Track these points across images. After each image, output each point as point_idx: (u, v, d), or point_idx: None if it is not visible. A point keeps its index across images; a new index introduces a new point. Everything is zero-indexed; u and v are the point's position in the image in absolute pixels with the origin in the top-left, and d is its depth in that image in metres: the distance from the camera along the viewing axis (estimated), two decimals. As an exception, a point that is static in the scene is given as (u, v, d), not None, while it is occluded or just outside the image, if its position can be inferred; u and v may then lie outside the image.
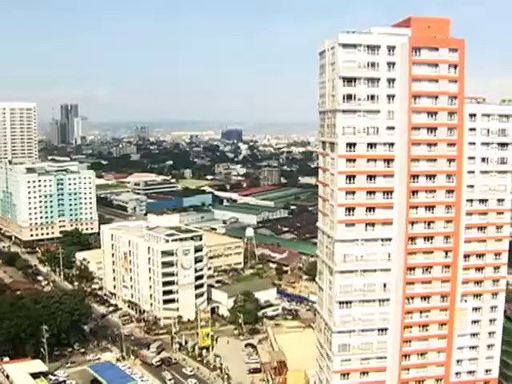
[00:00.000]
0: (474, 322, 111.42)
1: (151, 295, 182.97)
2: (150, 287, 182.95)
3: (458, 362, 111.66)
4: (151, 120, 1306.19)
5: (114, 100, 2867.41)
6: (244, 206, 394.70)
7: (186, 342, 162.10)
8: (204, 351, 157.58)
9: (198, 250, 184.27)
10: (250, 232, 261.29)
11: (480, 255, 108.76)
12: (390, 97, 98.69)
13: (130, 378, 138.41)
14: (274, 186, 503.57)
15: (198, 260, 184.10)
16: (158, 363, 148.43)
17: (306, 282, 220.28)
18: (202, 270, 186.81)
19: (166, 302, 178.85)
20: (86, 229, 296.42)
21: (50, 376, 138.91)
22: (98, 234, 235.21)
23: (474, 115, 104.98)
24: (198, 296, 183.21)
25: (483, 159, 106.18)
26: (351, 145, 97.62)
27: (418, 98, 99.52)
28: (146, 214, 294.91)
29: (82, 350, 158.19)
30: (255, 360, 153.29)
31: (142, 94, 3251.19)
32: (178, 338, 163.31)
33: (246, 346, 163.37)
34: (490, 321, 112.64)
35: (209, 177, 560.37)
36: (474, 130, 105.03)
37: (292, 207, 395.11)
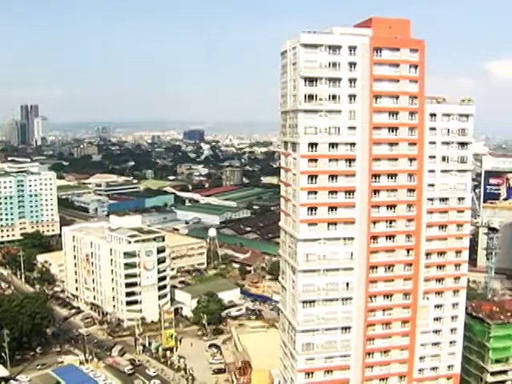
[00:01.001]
0: (436, 319, 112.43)
1: (114, 297, 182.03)
2: (113, 289, 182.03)
3: (420, 358, 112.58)
4: (113, 120, 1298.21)
5: (74, 100, 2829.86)
6: (206, 207, 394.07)
7: (150, 344, 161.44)
8: (168, 352, 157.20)
9: (160, 250, 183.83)
10: (212, 232, 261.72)
11: (441, 253, 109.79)
12: (352, 97, 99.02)
13: (94, 380, 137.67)
14: (237, 186, 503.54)
15: (160, 261, 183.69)
16: (131, 371, 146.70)
17: (269, 281, 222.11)
18: (164, 270, 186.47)
19: (128, 303, 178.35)
20: (47, 230, 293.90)
21: (12, 381, 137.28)
22: (60, 235, 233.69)
23: (435, 115, 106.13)
24: (161, 297, 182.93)
25: (444, 158, 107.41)
26: (313, 145, 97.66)
27: (379, 98, 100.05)
28: (107, 215, 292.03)
29: (45, 353, 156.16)
30: (219, 360, 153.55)
31: (103, 94, 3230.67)
32: (141, 339, 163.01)
33: (210, 346, 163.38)
34: (452, 318, 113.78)
35: (171, 177, 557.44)
36: (434, 129, 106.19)
37: (254, 207, 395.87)
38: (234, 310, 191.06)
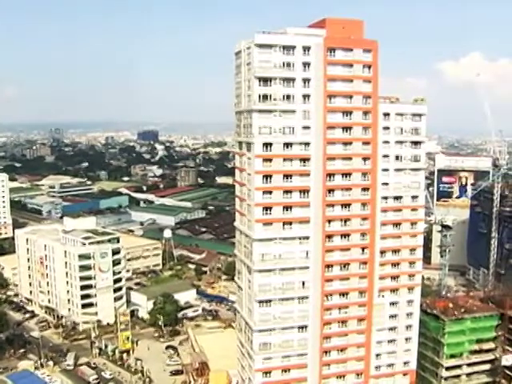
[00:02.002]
0: (392, 316, 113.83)
1: (69, 300, 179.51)
2: (68, 292, 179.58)
3: (377, 355, 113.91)
4: (66, 121, 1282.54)
5: (26, 100, 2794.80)
6: (161, 208, 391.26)
7: (106, 346, 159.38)
8: (125, 355, 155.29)
9: (115, 252, 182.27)
10: (167, 233, 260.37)
11: (395, 251, 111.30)
12: (306, 97, 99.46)
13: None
14: (191, 186, 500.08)
15: (115, 263, 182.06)
16: (96, 381, 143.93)
17: (225, 281, 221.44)
18: (120, 272, 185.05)
19: (84, 306, 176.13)
20: (0, 233, 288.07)
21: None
22: (13, 238, 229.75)
23: (388, 114, 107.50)
24: (116, 299, 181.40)
25: (397, 157, 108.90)
26: (267, 145, 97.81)
27: (333, 98, 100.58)
28: (61, 217, 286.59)
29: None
30: (177, 362, 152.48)
31: (55, 94, 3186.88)
32: (97, 342, 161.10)
33: (166, 348, 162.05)
34: (407, 315, 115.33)
35: (125, 178, 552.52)
36: (387, 128, 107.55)
37: (210, 207, 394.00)
38: (190, 310, 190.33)
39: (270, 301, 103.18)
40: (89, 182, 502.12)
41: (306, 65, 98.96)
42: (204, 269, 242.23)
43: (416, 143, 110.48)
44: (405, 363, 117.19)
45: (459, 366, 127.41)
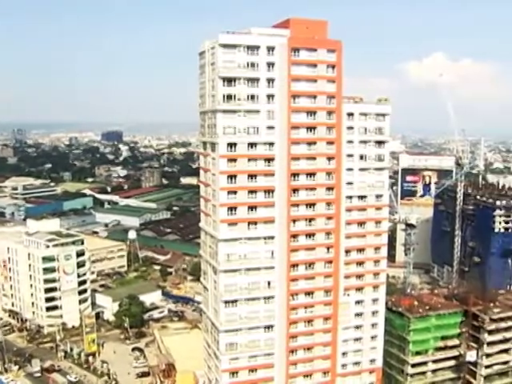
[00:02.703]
0: (357, 314, 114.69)
1: (33, 303, 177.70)
2: (32, 295, 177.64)
3: (343, 354, 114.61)
4: (28, 121, 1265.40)
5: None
6: (126, 209, 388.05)
7: (72, 349, 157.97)
8: (90, 358, 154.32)
9: (79, 254, 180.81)
10: (132, 234, 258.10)
11: (360, 250, 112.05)
12: (270, 97, 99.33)
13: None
14: (156, 187, 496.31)
15: (80, 265, 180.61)
16: None
17: (190, 282, 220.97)
18: (84, 274, 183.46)
19: (48, 309, 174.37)
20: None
21: None
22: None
23: (352, 114, 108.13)
24: (81, 301, 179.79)
25: (361, 157, 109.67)
26: (232, 145, 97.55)
27: (297, 98, 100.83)
28: (24, 220, 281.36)
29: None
30: (143, 364, 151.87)
31: (16, 94, 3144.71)
32: (62, 345, 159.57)
33: (133, 349, 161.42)
34: (373, 313, 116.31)
35: (89, 179, 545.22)
36: (351, 128, 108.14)
37: (174, 208, 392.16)
38: (156, 312, 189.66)
39: (235, 301, 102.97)
40: (52, 184, 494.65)
41: (270, 65, 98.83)
42: (169, 270, 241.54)
43: (380, 143, 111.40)
44: (371, 361, 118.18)
45: (425, 363, 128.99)
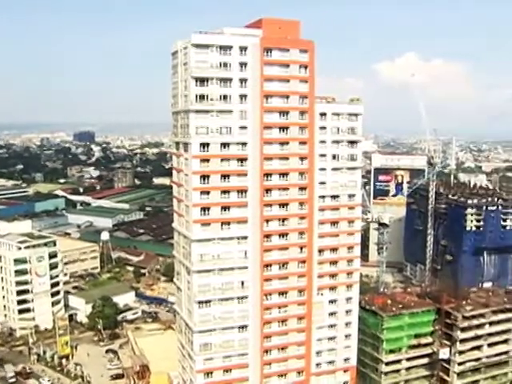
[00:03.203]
0: (331, 314, 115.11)
1: (5, 305, 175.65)
2: (4, 297, 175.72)
3: (317, 353, 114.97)
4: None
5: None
6: (98, 210, 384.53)
7: (45, 352, 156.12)
8: (64, 360, 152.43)
9: (52, 256, 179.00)
10: (105, 235, 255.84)
11: (333, 249, 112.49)
12: (243, 97, 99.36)
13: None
14: (129, 187, 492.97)
15: (52, 267, 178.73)
16: None
17: (164, 283, 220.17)
18: (57, 276, 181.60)
19: (21, 311, 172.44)
20: None
21: None
22: None
23: (325, 114, 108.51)
24: (54, 304, 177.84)
25: (334, 156, 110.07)
26: (204, 145, 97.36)
27: (269, 98, 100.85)
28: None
29: None
30: (117, 365, 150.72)
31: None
32: (35, 348, 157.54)
33: (106, 351, 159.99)
34: (346, 312, 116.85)
35: (61, 180, 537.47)
36: (324, 128, 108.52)
37: (147, 209, 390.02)
38: (129, 313, 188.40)
39: (209, 301, 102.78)
40: (24, 185, 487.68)
41: (243, 65, 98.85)
42: (143, 271, 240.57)
43: (352, 142, 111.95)
44: (345, 360, 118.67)
45: (398, 361, 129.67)
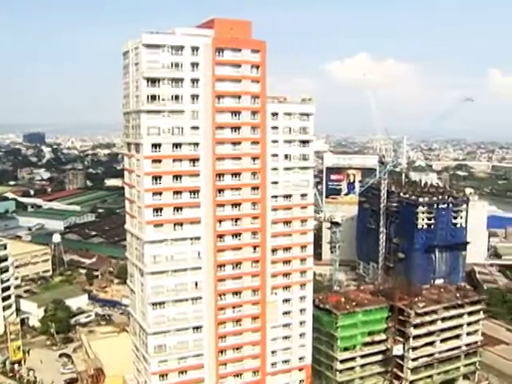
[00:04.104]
0: (285, 313, 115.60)
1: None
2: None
3: (272, 352, 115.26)
4: None
5: None
6: (50, 212, 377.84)
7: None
8: (16, 366, 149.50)
9: (2, 259, 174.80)
10: (56, 238, 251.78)
11: (287, 249, 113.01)
12: (194, 97, 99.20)
13: None
14: (80, 189, 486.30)
15: (3, 270, 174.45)
16: None
17: (117, 285, 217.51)
18: (8, 280, 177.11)
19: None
20: None
21: None
22: None
23: (276, 114, 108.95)
24: (5, 308, 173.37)
25: (286, 156, 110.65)
26: (156, 145, 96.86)
27: (221, 98, 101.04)
28: None
29: None
30: (71, 370, 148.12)
31: None
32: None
33: (60, 356, 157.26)
34: (300, 311, 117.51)
35: (11, 182, 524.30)
36: (276, 128, 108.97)
37: (99, 210, 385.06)
38: (82, 316, 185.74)
39: (163, 303, 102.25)
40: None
41: (195, 65, 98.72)
42: (95, 273, 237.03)
43: (304, 142, 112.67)
44: (300, 358, 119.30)
45: (353, 359, 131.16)
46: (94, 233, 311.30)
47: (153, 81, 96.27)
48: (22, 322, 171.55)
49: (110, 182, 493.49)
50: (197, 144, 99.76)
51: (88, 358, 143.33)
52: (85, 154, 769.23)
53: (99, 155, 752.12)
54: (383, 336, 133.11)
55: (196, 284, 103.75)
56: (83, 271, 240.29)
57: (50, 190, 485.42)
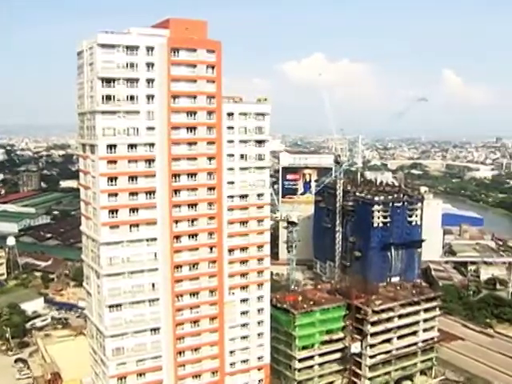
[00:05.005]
0: (243, 313, 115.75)
1: None
2: None
3: (231, 352, 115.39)
4: None
5: None
6: (3, 214, 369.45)
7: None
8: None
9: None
10: (11, 241, 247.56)
11: (243, 248, 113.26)
12: (150, 97, 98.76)
13: None
14: (35, 191, 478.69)
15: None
16: None
17: (73, 288, 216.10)
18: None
19: None
20: None
21: None
22: None
23: (232, 114, 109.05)
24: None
25: (242, 156, 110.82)
26: (112, 146, 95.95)
27: (177, 98, 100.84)
28: None
29: None
30: (27, 375, 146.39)
31: None
32: None
33: (15, 361, 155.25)
34: (258, 310, 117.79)
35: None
36: (232, 128, 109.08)
37: (54, 212, 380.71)
38: (38, 320, 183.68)
39: (120, 305, 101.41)
40: None
41: (150, 65, 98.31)
42: (51, 276, 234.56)
43: (260, 142, 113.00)
44: (259, 358, 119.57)
45: (311, 357, 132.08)
46: (49, 235, 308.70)
47: (108, 81, 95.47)
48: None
49: (65, 184, 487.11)
50: (152, 144, 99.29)
51: (44, 363, 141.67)
52: (39, 155, 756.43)
53: (54, 156, 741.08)
54: (341, 334, 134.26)
55: (153, 285, 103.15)
56: (39, 274, 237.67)
57: (3, 192, 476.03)
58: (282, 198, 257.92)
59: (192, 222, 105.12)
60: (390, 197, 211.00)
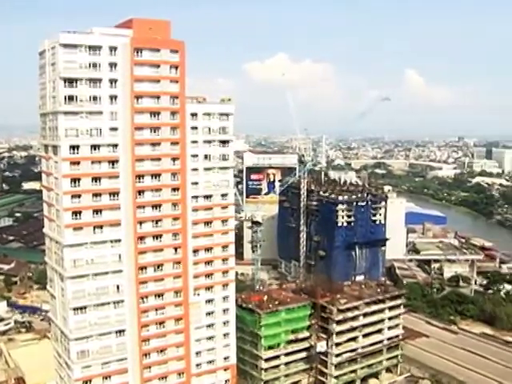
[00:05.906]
0: (209, 313, 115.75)
1: None
2: None
3: (197, 353, 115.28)
4: None
5: None
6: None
7: None
8: None
9: None
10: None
11: (208, 249, 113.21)
12: (113, 97, 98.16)
13: None
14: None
15: None
16: None
17: (37, 291, 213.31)
18: None
19: None
20: None
21: None
22: None
23: (196, 114, 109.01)
24: None
25: (206, 156, 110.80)
26: (74, 147, 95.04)
27: (140, 99, 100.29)
28: None
29: None
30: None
31: None
32: None
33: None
34: (224, 311, 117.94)
35: None
36: (196, 128, 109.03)
37: (17, 214, 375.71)
38: (1, 324, 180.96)
39: (84, 307, 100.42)
40: None
41: (113, 65, 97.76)
42: (14, 279, 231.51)
43: (224, 142, 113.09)
44: (225, 358, 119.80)
45: (277, 357, 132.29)
46: (11, 237, 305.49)
47: (70, 81, 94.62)
48: None
49: (28, 185, 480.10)
50: (116, 145, 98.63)
51: (8, 368, 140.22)
52: (0, 156, 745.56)
53: (15, 158, 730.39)
54: (307, 333, 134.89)
55: (117, 287, 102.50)
56: (1, 277, 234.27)
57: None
58: (247, 198, 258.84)
59: (156, 222, 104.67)
60: (353, 196, 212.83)
